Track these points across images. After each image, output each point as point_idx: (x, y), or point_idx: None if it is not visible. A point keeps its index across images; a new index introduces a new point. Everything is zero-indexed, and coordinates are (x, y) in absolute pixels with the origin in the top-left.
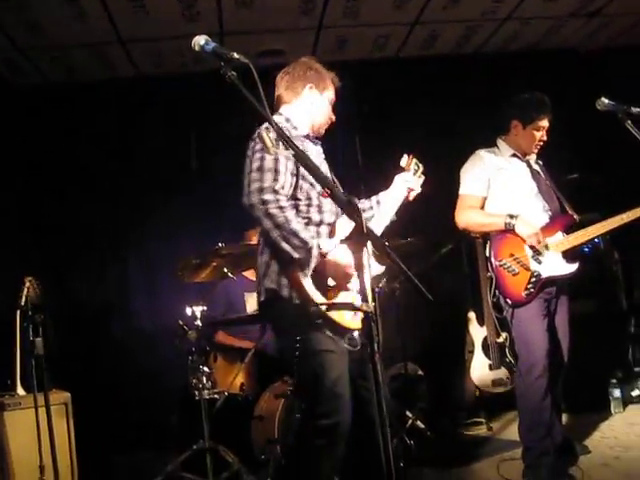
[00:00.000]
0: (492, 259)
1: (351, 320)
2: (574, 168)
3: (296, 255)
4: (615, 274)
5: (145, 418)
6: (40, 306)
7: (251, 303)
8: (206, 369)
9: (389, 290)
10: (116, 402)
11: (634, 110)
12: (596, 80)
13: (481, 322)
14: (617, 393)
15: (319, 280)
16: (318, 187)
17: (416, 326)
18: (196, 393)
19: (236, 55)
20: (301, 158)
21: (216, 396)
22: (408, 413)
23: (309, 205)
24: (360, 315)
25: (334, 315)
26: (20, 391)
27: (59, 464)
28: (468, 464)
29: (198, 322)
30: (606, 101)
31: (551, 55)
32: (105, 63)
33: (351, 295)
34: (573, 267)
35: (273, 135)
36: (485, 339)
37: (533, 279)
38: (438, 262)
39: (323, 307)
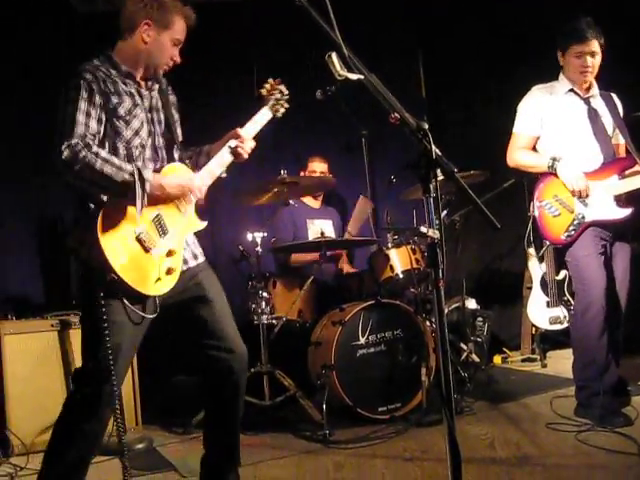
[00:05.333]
0: (535, 199)
1: (153, 286)
2: None
3: (120, 177)
4: None
5: None
6: None
7: (313, 230)
8: (265, 294)
9: (449, 223)
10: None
11: None
12: None
13: (541, 259)
14: None
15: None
16: (127, 133)
17: (475, 260)
18: (255, 318)
19: None
20: (370, 83)
21: (274, 321)
22: (463, 346)
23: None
24: (166, 282)
25: (133, 281)
26: None
27: None
28: (521, 399)
29: (258, 248)
30: None
31: None
32: None
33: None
34: (625, 212)
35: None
36: (544, 276)
37: (576, 221)
38: (499, 196)
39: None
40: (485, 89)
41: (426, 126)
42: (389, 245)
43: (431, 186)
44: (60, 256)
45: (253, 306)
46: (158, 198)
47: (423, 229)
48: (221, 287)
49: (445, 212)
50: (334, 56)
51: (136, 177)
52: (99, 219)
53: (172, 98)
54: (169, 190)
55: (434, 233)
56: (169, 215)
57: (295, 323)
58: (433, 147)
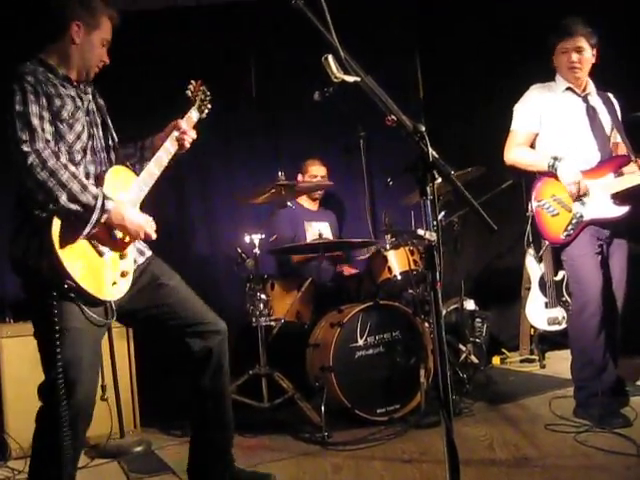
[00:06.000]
0: (533, 199)
1: (109, 291)
2: None
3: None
4: None
5: None
6: None
7: (311, 232)
8: (263, 296)
9: (448, 224)
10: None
11: None
12: None
13: (539, 259)
14: None
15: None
16: (70, 137)
17: (474, 261)
18: (253, 320)
19: None
20: (367, 85)
21: (272, 323)
22: (462, 347)
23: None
24: (121, 285)
25: (90, 287)
26: None
27: (120, 384)
28: (520, 400)
29: (256, 250)
30: None
31: None
32: None
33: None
34: (622, 210)
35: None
36: (542, 277)
37: (574, 220)
38: (497, 197)
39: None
40: (485, 89)
41: (423, 128)
42: (387, 247)
43: (428, 188)
44: None
45: (251, 308)
46: (111, 226)
47: (420, 231)
48: (173, 271)
49: (443, 213)
50: (330, 58)
51: (98, 204)
52: (53, 226)
53: (100, 102)
54: (129, 226)
55: (431, 235)
56: None
57: (293, 325)
58: (430, 149)
